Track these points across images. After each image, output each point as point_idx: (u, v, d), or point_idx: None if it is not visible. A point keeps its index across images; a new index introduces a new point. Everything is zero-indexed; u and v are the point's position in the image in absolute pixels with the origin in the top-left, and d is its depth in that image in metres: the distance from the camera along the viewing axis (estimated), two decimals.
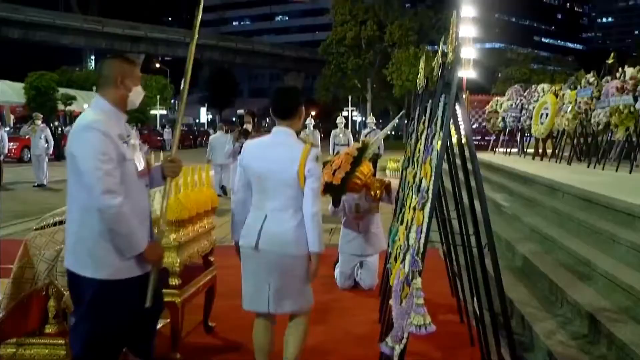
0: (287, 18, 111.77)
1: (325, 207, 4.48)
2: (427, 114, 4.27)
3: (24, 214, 11.39)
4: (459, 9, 13.15)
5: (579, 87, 10.80)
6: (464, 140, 3.64)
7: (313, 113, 60.29)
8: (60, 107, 43.24)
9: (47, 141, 16.95)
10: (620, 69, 9.46)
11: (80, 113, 3.39)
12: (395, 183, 6.32)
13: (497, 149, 16.70)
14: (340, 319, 5.57)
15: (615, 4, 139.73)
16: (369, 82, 57.11)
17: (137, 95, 3.22)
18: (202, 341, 4.89)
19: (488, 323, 3.86)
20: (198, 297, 4.80)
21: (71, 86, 48.07)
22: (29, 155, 22.57)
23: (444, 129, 3.29)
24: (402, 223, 4.12)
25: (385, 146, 17.25)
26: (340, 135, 16.72)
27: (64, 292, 3.99)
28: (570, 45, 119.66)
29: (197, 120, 79.95)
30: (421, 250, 3.02)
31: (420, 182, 3.50)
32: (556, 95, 12.18)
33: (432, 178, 3.19)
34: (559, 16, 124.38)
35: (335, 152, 15.15)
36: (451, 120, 3.36)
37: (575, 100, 10.65)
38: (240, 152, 4.03)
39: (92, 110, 3.10)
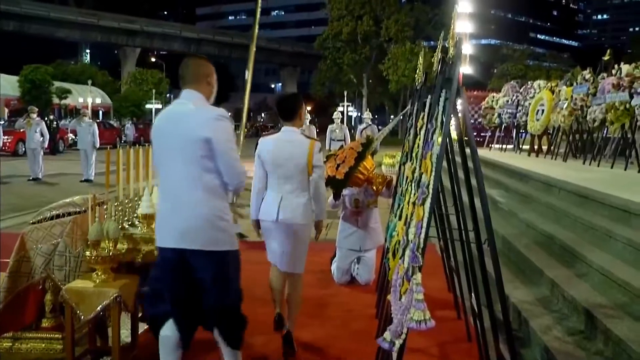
0: (283, 13, 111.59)
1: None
2: (427, 110, 4.26)
3: (19, 207, 11.33)
4: (456, 5, 13.10)
5: (575, 83, 10.82)
6: (464, 137, 3.64)
7: (309, 108, 60.29)
8: (55, 100, 43.08)
9: (42, 135, 16.89)
10: (616, 66, 9.46)
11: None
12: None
13: (492, 145, 16.72)
14: (337, 313, 5.57)
15: (610, 1, 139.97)
16: (365, 77, 57.07)
17: (215, 91, 3.61)
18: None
19: (486, 319, 3.86)
20: None
21: (66, 80, 47.91)
22: (23, 149, 22.48)
23: (445, 124, 3.28)
24: (400, 218, 4.11)
25: (381, 142, 17.27)
26: (337, 130, 16.73)
27: (61, 286, 3.97)
28: (565, 42, 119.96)
29: None
30: (421, 245, 3.01)
31: (420, 177, 3.49)
32: (552, 92, 12.19)
33: (433, 173, 3.18)
34: (555, 13, 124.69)
35: (339, 147, 15.23)
36: (452, 116, 3.36)
37: (571, 96, 10.67)
38: None
39: (202, 102, 3.46)
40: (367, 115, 17.33)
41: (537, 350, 4.20)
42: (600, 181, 7.23)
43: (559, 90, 11.65)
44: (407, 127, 6.10)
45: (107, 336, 4.37)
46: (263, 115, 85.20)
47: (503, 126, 15.56)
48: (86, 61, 67.18)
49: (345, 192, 6.40)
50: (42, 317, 4.27)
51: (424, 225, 3.05)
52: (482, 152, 14.54)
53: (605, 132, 10.11)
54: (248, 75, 4.94)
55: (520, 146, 15.05)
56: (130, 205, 4.43)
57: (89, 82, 48.37)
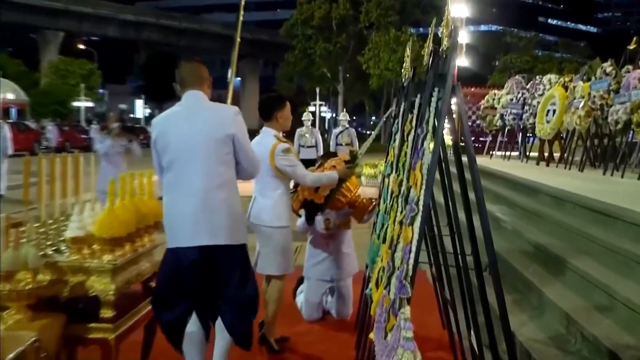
0: None
1: (294, 223, 6.09)
2: (415, 111, 4.31)
3: None
4: None
5: (593, 78, 10.77)
6: (460, 143, 3.70)
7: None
8: None
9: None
10: None
11: None
12: (372, 192, 6.39)
13: (494, 152, 16.89)
14: (309, 358, 5.57)
15: None
16: (341, 71, 57.39)
17: (209, 95, 4.54)
18: None
19: None
20: (136, 333, 4.74)
21: None
22: None
23: (437, 128, 3.33)
24: (384, 241, 4.15)
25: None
26: (307, 135, 16.76)
27: None
28: (582, 27, 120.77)
29: (132, 115, 79.18)
30: (410, 273, 3.05)
31: (408, 191, 3.54)
32: (565, 88, 12.26)
33: (423, 187, 3.23)
34: None
35: (317, 165, 15.18)
36: (446, 119, 3.42)
37: (589, 94, 10.67)
38: None
39: (207, 102, 4.48)
40: (343, 116, 17.41)
41: None
42: (625, 195, 7.31)
43: (574, 87, 11.70)
44: (391, 132, 6.15)
45: None
46: None
47: (506, 129, 15.74)
48: None
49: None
50: None
51: (413, 248, 3.09)
52: (481, 160, 14.73)
53: (630, 136, 10.15)
54: (231, 74, 6.27)
55: (527, 153, 15.19)
56: (55, 226, 4.39)
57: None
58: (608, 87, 10.05)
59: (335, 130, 17.52)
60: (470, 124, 19.41)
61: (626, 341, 4.34)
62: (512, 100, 15.05)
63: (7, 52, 61.66)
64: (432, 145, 3.33)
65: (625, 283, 5.04)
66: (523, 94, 14.69)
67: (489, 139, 17.78)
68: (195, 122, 4.28)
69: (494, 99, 16.42)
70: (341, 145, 16.54)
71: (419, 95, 4.45)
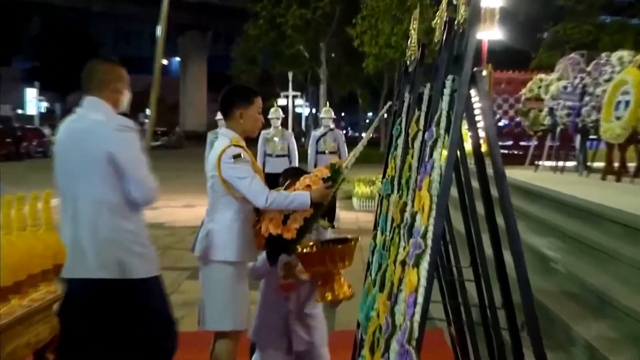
0: None
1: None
2: (424, 107, 4.38)
3: None
4: None
5: None
6: (483, 149, 3.78)
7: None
8: None
9: None
10: None
11: None
12: (369, 219, 6.39)
13: (540, 163, 16.91)
14: None
15: None
16: (324, 49, 57.39)
17: (126, 99, 5.46)
18: None
19: None
20: None
21: None
22: None
23: (453, 132, 3.40)
24: (381, 288, 4.21)
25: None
26: (276, 139, 16.79)
27: None
28: None
29: (21, 111, 78.45)
30: (415, 334, 3.11)
31: (414, 219, 3.59)
32: None
33: (434, 213, 3.29)
34: None
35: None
36: (464, 118, 3.49)
37: None
38: None
39: (103, 112, 5.23)
40: (326, 113, 17.31)
41: None
42: None
43: None
44: (391, 135, 6.11)
45: None
46: (147, 112, 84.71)
47: (558, 130, 15.77)
48: None
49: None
50: None
51: (420, 299, 3.15)
52: (522, 173, 14.80)
53: None
54: (157, 54, 6.39)
55: (588, 163, 15.23)
56: None
57: None
58: None
59: (316, 133, 17.32)
60: (505, 123, 19.50)
61: None
62: (566, 88, 15.02)
63: None
64: (445, 156, 3.38)
65: None
66: (582, 79, 14.60)
67: (534, 143, 17.79)
68: (75, 138, 5.09)
69: (539, 87, 16.42)
70: (323, 153, 16.56)
71: (428, 85, 4.52)
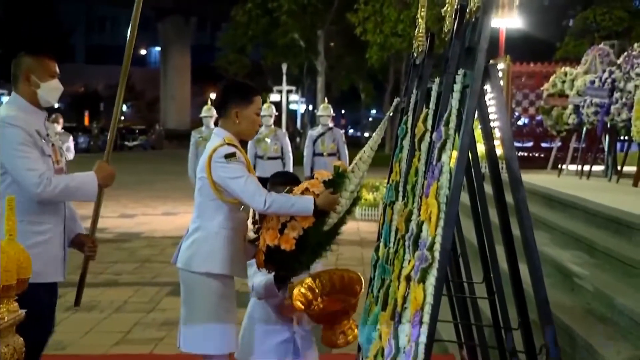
0: None
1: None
2: (432, 104, 4.42)
3: None
4: None
5: None
6: (499, 153, 3.82)
7: (214, 95, 59.60)
8: None
9: None
10: None
11: None
12: (370, 229, 6.38)
13: (564, 167, 16.94)
14: None
15: None
16: (322, 38, 57.41)
17: (47, 91, 5.69)
18: None
19: None
20: None
21: None
22: None
23: (463, 131, 3.44)
24: (384, 307, 4.24)
25: (351, 158, 17.35)
26: (267, 140, 16.79)
27: None
28: None
29: None
30: (421, 357, 3.15)
31: (420, 229, 3.63)
32: None
33: (442, 222, 3.33)
34: None
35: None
36: (476, 116, 3.53)
37: None
38: None
39: (6, 106, 5.61)
40: (324, 110, 17.27)
41: None
42: None
43: None
44: (396, 136, 6.13)
45: None
46: (125, 107, 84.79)
47: (584, 130, 15.78)
48: None
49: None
50: None
51: (426, 318, 3.20)
52: (543, 179, 14.80)
53: None
54: (129, 39, 6.42)
55: (619, 168, 15.19)
56: None
57: None
58: None
59: (313, 132, 17.31)
60: (525, 122, 19.51)
61: None
62: (593, 83, 14.89)
63: None
64: (454, 159, 3.42)
65: None
66: (611, 72, 14.45)
67: (557, 144, 17.82)
68: None
69: (564, 82, 16.44)
70: (321, 155, 16.58)
71: (437, 80, 4.55)
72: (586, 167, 15.68)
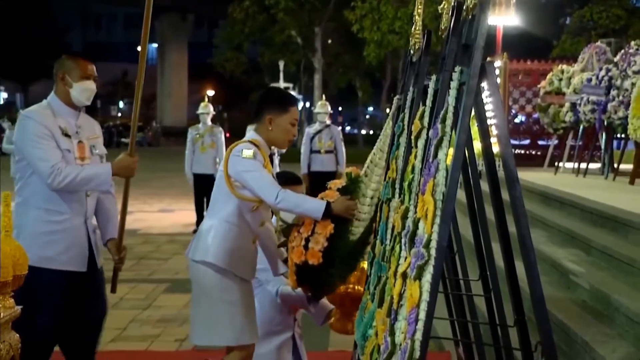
0: None
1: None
2: (429, 101, 4.41)
3: None
4: None
5: None
6: (495, 150, 3.82)
7: (211, 93, 59.95)
8: None
9: None
10: None
11: None
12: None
13: (561, 165, 16.93)
14: None
15: None
16: (319, 35, 57.38)
17: (79, 91, 5.96)
18: None
19: None
20: None
21: None
22: None
23: (460, 128, 3.44)
24: (380, 304, 4.24)
25: (348, 155, 17.38)
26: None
27: None
28: None
29: None
30: (417, 354, 3.14)
31: (416, 226, 3.63)
32: None
33: (438, 219, 3.33)
34: None
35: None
36: (473, 114, 3.53)
37: None
38: None
39: (40, 104, 6.03)
40: (321, 107, 17.24)
41: None
42: None
43: None
44: (393, 133, 6.14)
45: None
46: (121, 104, 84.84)
47: (581, 128, 15.76)
48: None
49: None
50: None
51: (422, 315, 3.19)
52: (540, 177, 14.80)
53: None
54: (142, 37, 6.48)
55: (615, 166, 15.14)
56: None
57: None
58: None
59: (310, 130, 17.28)
60: (522, 119, 19.51)
61: None
62: (590, 80, 14.90)
63: None
64: (451, 157, 3.42)
65: None
66: (608, 70, 14.47)
67: (553, 142, 17.83)
68: None
69: (560, 80, 16.44)
70: (318, 152, 16.56)
71: (434, 77, 4.56)
72: (583, 165, 15.65)
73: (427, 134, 4.09)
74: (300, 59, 59.20)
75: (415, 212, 3.73)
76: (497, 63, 18.21)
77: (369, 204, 6.03)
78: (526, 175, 14.51)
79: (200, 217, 16.94)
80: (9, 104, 77.31)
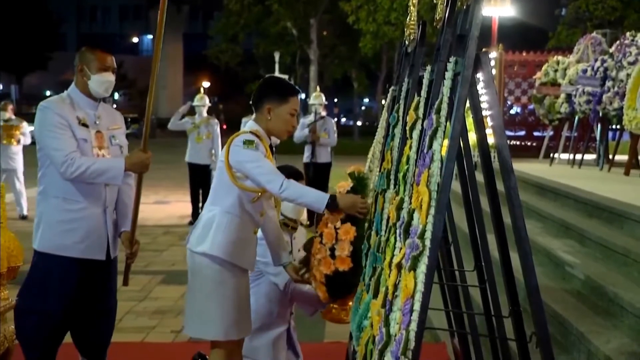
0: None
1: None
2: (424, 92, 4.41)
3: None
4: None
5: None
6: (490, 141, 3.82)
7: (206, 84, 59.86)
8: None
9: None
10: None
11: None
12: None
13: (556, 156, 16.94)
14: None
15: None
16: (314, 26, 57.32)
17: (96, 82, 5.99)
18: None
19: None
20: None
21: None
22: None
23: (454, 119, 3.44)
24: (375, 295, 4.24)
25: (341, 148, 17.37)
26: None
27: None
28: None
29: None
30: (412, 344, 3.14)
31: (411, 217, 3.63)
32: None
33: (433, 210, 3.33)
34: None
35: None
36: (467, 104, 3.53)
37: None
38: None
39: (59, 95, 6.15)
40: (316, 99, 17.21)
41: None
42: None
43: None
44: (388, 124, 6.14)
45: None
46: (117, 96, 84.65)
47: (576, 119, 15.81)
48: None
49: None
50: None
51: (417, 306, 3.19)
52: (535, 168, 14.83)
53: None
54: (158, 28, 6.57)
55: (610, 156, 15.21)
56: None
57: None
58: None
59: (305, 121, 17.27)
60: (517, 111, 19.50)
61: None
62: (585, 72, 14.94)
63: None
64: (446, 147, 3.42)
65: None
66: (604, 61, 14.49)
67: (549, 133, 17.83)
68: None
69: (556, 71, 16.43)
70: (311, 143, 16.54)
71: (428, 68, 4.56)
72: (578, 156, 15.74)
73: (422, 125, 4.09)
74: (296, 51, 59.17)
75: (410, 203, 3.74)
76: (493, 54, 18.23)
77: None
78: (521, 167, 14.54)
79: (195, 209, 17.01)
80: (4, 96, 77.23)
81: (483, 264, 4.46)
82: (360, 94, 75.06)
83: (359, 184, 5.93)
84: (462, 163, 4.67)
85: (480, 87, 4.09)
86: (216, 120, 17.70)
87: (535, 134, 18.39)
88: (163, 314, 9.52)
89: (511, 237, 3.76)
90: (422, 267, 3.24)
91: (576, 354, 6.61)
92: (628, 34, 14.53)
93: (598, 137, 15.86)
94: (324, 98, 17.26)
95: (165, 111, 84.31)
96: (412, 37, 5.76)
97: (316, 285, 5.88)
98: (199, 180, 16.69)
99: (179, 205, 19.96)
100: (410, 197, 3.78)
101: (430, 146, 3.57)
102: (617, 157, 14.91)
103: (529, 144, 19.40)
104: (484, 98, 4.35)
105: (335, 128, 17.17)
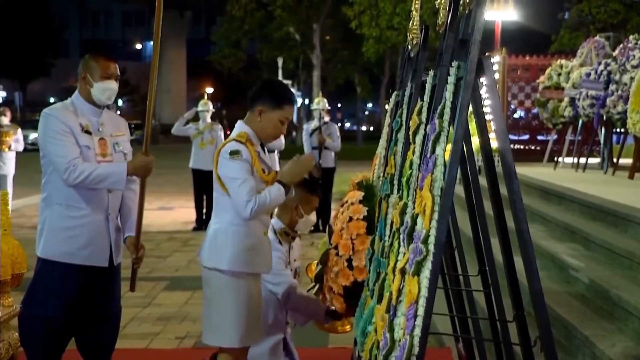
0: None
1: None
2: (427, 96, 4.42)
3: None
4: None
5: None
6: (494, 146, 3.83)
7: (209, 90, 59.85)
8: None
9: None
10: None
11: None
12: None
13: (560, 160, 16.91)
14: None
15: None
16: (317, 32, 57.30)
17: (99, 90, 6.02)
18: None
19: None
20: None
21: None
22: None
23: (457, 124, 3.45)
24: (379, 300, 4.24)
25: (344, 153, 17.36)
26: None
27: None
28: None
29: None
30: (416, 350, 3.14)
31: (414, 222, 3.63)
32: None
33: (436, 215, 3.33)
34: None
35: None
36: (470, 109, 3.53)
37: None
38: None
39: (65, 101, 6.17)
40: (318, 104, 17.19)
41: None
42: None
43: None
44: (391, 129, 6.15)
45: None
46: (120, 102, 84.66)
47: (580, 123, 15.76)
48: None
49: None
50: None
51: (421, 311, 3.19)
52: (540, 172, 14.80)
53: None
54: (155, 31, 6.59)
55: (615, 160, 15.21)
56: None
57: None
58: None
59: (308, 126, 17.23)
60: (521, 114, 19.47)
61: None
62: (588, 75, 14.93)
63: None
64: (449, 152, 3.42)
65: None
66: (607, 65, 14.49)
67: (553, 137, 17.81)
68: None
69: (559, 75, 16.41)
70: (317, 148, 16.51)
71: (431, 72, 4.56)
72: (582, 160, 15.70)
73: (425, 130, 4.10)
74: (299, 56, 59.15)
75: (414, 208, 3.74)
76: (496, 58, 18.24)
77: None
78: (525, 170, 14.53)
79: (199, 215, 17.05)
80: (8, 103, 77.23)
81: (487, 268, 4.46)
82: (364, 99, 75.05)
83: (368, 193, 6.07)
84: (465, 167, 4.68)
85: (483, 91, 4.10)
86: (220, 126, 17.67)
87: (539, 137, 18.35)
88: (167, 320, 9.52)
89: (515, 241, 3.77)
90: (426, 272, 3.24)
91: (581, 357, 6.61)
92: (631, 37, 14.53)
93: (602, 141, 15.88)
94: (326, 103, 17.22)
95: (169, 116, 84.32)
96: (414, 42, 5.77)
97: (332, 297, 5.92)
98: (203, 186, 16.60)
99: (182, 211, 19.96)
100: (414, 202, 3.78)
101: (433, 151, 3.57)
102: (621, 161, 14.90)
103: (532, 147, 19.37)
104: (487, 102, 4.36)
105: (338, 133, 17.13)
